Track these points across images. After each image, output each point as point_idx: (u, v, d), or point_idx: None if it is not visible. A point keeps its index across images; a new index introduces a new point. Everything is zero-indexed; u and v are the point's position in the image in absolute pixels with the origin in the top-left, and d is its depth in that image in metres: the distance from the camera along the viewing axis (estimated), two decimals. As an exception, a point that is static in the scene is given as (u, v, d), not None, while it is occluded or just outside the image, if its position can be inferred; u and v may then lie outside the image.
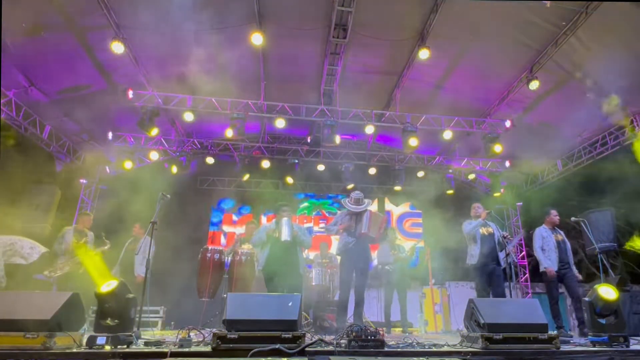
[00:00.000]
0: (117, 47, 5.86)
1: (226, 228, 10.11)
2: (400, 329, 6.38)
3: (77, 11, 5.56)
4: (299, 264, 4.98)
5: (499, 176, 9.21)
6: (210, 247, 6.36)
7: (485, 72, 7.05)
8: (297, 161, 9.07)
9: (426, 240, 8.14)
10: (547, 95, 7.14)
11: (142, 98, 7.07)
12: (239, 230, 9.81)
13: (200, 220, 9.78)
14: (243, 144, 8.80)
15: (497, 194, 9.68)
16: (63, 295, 2.99)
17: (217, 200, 10.27)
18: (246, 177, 9.17)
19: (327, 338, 3.33)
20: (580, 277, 5.28)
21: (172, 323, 6.97)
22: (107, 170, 8.95)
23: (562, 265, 5.20)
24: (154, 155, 8.84)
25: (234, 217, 10.27)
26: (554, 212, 5.53)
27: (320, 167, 9.53)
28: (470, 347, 3.09)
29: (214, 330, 2.96)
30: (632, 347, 3.39)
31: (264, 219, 9.92)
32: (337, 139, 7.46)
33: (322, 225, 10.19)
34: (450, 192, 9.83)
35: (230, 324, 2.80)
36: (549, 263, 5.19)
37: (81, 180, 8.63)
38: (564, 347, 3.23)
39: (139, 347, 2.98)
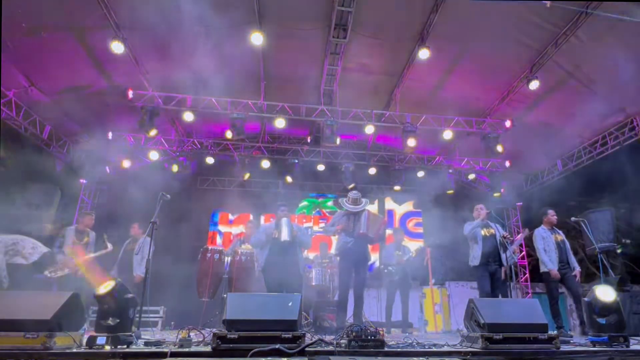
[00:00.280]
0: (117, 47, 5.86)
1: (222, 228, 10.07)
2: (400, 329, 6.38)
3: (77, 11, 5.56)
4: (298, 264, 4.99)
5: (499, 176, 9.21)
6: (210, 247, 6.36)
7: (485, 72, 7.05)
8: (297, 161, 9.07)
9: (426, 240, 8.14)
10: (547, 95, 7.14)
11: (142, 98, 7.07)
12: (235, 230, 9.80)
13: (200, 220, 9.77)
14: (243, 144, 8.80)
15: (497, 194, 9.68)
16: (63, 295, 2.99)
17: (217, 200, 10.26)
18: (246, 176, 9.17)
19: (327, 338, 3.33)
20: (578, 277, 5.26)
21: (172, 323, 6.97)
22: (107, 170, 8.94)
23: (562, 265, 5.21)
24: (154, 155, 8.83)
25: (230, 217, 10.24)
26: (551, 212, 5.53)
27: (320, 167, 9.53)
28: (470, 347, 3.09)
29: (214, 330, 2.96)
30: (632, 347, 3.39)
31: (262, 219, 9.93)
32: (337, 140, 7.47)
33: (321, 225, 10.19)
34: (450, 192, 9.82)
35: (230, 324, 2.80)
36: (551, 265, 5.19)
37: (81, 180, 8.63)
38: (564, 347, 3.23)
39: (139, 347, 2.98)
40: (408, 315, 6.43)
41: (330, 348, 2.86)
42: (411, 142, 7.48)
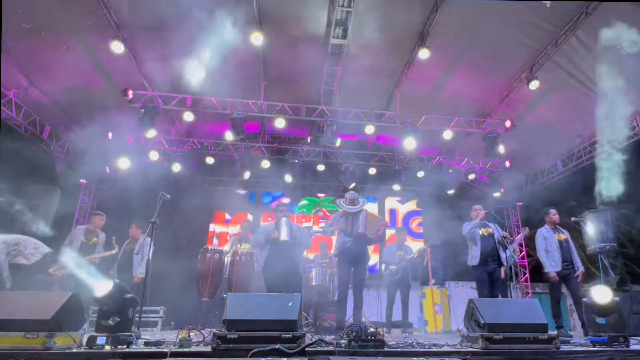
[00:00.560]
0: (117, 47, 5.86)
1: (218, 228, 10.04)
2: (400, 329, 6.38)
3: (77, 11, 5.56)
4: (298, 264, 5.00)
5: (499, 176, 9.21)
6: (210, 247, 6.37)
7: (485, 72, 7.06)
8: (297, 161, 9.07)
9: (426, 240, 8.15)
10: (547, 95, 7.14)
11: (142, 98, 7.07)
12: (232, 230, 9.78)
13: (200, 220, 9.77)
14: (243, 144, 8.80)
15: (497, 194, 9.68)
16: (63, 295, 2.99)
17: (217, 200, 10.27)
18: (246, 176, 9.17)
19: (327, 338, 3.33)
20: (580, 277, 5.25)
21: (172, 323, 6.98)
22: (107, 170, 8.95)
23: (565, 265, 5.17)
24: (154, 155, 8.83)
25: (227, 216, 10.21)
26: (552, 211, 5.53)
27: (320, 167, 9.53)
28: (470, 347, 3.09)
29: (214, 330, 2.96)
30: (632, 347, 3.39)
31: (261, 219, 9.93)
32: (338, 141, 7.48)
33: (321, 224, 10.18)
34: (450, 192, 9.83)
35: (230, 324, 2.81)
36: (551, 267, 5.17)
37: (81, 180, 8.64)
38: (564, 347, 3.23)
39: (139, 347, 2.98)
40: (408, 315, 6.43)
41: (330, 348, 2.86)
42: (411, 143, 7.48)
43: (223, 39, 6.32)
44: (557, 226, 5.49)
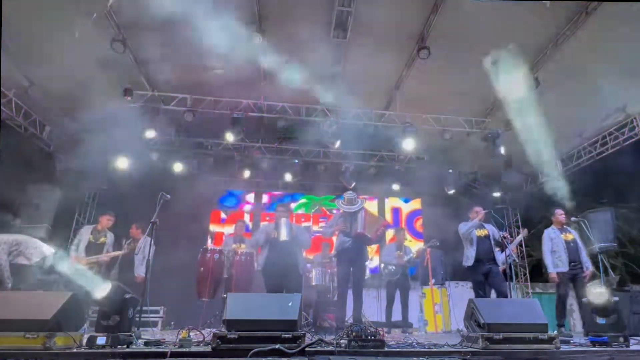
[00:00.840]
0: (117, 47, 5.87)
1: (214, 227, 10.02)
2: (400, 329, 6.38)
3: (77, 11, 5.56)
4: (298, 264, 5.00)
5: (499, 176, 9.21)
6: (210, 247, 6.36)
7: (486, 72, 7.04)
8: (297, 161, 9.07)
9: (426, 240, 8.14)
10: (547, 95, 7.13)
11: (142, 98, 7.07)
12: (227, 229, 9.77)
13: (200, 220, 9.77)
14: (243, 143, 8.79)
15: (497, 194, 9.69)
16: (63, 295, 2.99)
17: (217, 200, 10.28)
18: (246, 175, 9.17)
19: (327, 338, 3.33)
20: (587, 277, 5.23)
21: (172, 323, 6.97)
22: (107, 170, 8.94)
23: (573, 266, 5.17)
24: (154, 155, 8.83)
25: (223, 215, 10.18)
26: (559, 211, 5.52)
27: (320, 167, 9.52)
28: (470, 347, 3.09)
29: (214, 330, 2.96)
30: (632, 347, 3.39)
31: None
32: (338, 142, 7.49)
33: (321, 224, 10.18)
34: (450, 192, 9.83)
35: (230, 324, 2.81)
36: (555, 267, 5.17)
37: (81, 180, 8.63)
38: (564, 347, 3.23)
39: (139, 347, 2.98)
40: (408, 315, 6.43)
41: (330, 348, 2.86)
42: (410, 143, 7.50)
43: (223, 38, 6.32)
44: (565, 226, 5.47)
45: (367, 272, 6.97)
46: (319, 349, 2.86)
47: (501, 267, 6.15)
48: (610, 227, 6.60)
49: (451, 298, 7.21)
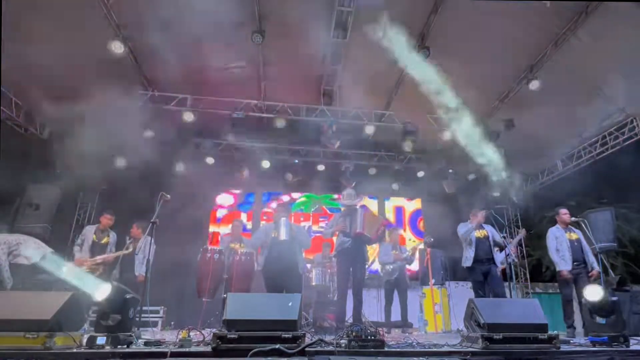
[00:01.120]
0: (117, 47, 5.87)
1: (212, 227, 9.97)
2: (400, 329, 6.38)
3: (77, 11, 5.56)
4: (298, 264, 5.00)
5: (499, 176, 9.20)
6: (210, 247, 6.35)
7: (485, 72, 7.05)
8: (297, 161, 9.07)
9: (426, 240, 8.15)
10: (547, 95, 7.14)
11: (142, 98, 7.07)
12: (223, 229, 9.75)
13: (200, 220, 9.77)
14: (243, 143, 8.80)
15: (497, 194, 9.68)
16: (63, 295, 2.99)
17: (217, 200, 10.28)
18: (246, 175, 9.18)
19: (327, 338, 3.33)
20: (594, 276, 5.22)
21: (172, 323, 6.97)
22: (108, 170, 8.94)
23: (576, 265, 5.18)
24: (154, 155, 8.82)
25: (218, 214, 10.13)
26: (562, 211, 5.53)
27: (320, 167, 9.53)
28: (470, 347, 3.09)
29: (214, 330, 2.96)
30: (632, 347, 3.39)
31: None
32: (337, 144, 7.50)
33: (321, 224, 10.18)
34: (450, 192, 9.83)
35: (230, 324, 2.81)
36: (562, 265, 5.17)
37: (81, 181, 8.62)
38: (564, 347, 3.23)
39: (139, 347, 2.98)
40: (407, 315, 6.43)
41: (330, 348, 2.86)
42: (410, 144, 7.52)
43: (223, 38, 6.33)
44: (569, 225, 5.47)
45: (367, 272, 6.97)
46: (319, 349, 2.86)
47: (501, 267, 6.16)
48: (610, 227, 6.60)
49: (451, 298, 7.20)
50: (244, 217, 10.10)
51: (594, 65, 6.27)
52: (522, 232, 7.44)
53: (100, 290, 3.06)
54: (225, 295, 3.14)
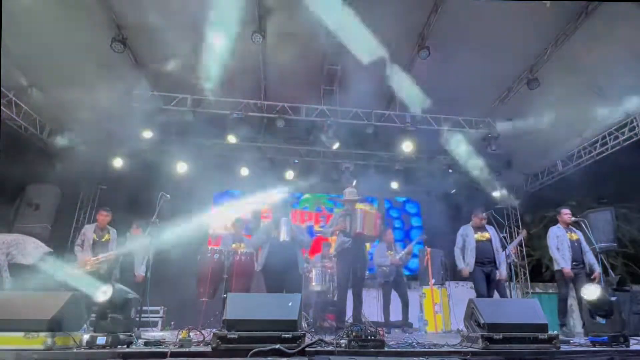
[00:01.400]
0: (117, 47, 5.86)
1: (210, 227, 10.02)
2: (400, 329, 6.38)
3: (77, 11, 5.56)
4: (298, 264, 4.99)
5: (499, 176, 9.21)
6: (210, 247, 6.35)
7: (485, 72, 7.05)
8: (297, 161, 9.07)
9: (426, 240, 8.14)
10: (547, 95, 7.14)
11: (142, 98, 7.06)
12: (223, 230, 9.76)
13: (200, 220, 9.75)
14: (243, 143, 8.79)
15: (497, 194, 9.68)
16: (63, 295, 2.99)
17: (218, 200, 10.28)
18: (245, 174, 9.18)
19: (327, 338, 3.33)
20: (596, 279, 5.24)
21: (172, 323, 6.97)
22: (108, 170, 8.95)
23: (575, 265, 5.21)
24: (154, 155, 8.83)
25: (217, 215, 10.11)
26: (564, 211, 5.54)
27: (320, 167, 9.52)
28: (470, 347, 3.09)
29: (214, 330, 2.96)
30: (632, 347, 3.39)
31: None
32: (337, 144, 7.48)
33: (321, 224, 10.18)
34: (450, 192, 9.84)
35: (230, 324, 2.80)
36: (564, 263, 5.19)
37: (81, 180, 8.64)
38: (564, 347, 3.23)
39: (139, 347, 2.98)
40: (408, 315, 6.43)
41: (330, 348, 2.86)
42: (409, 145, 7.53)
43: (223, 39, 6.33)
44: (570, 226, 5.49)
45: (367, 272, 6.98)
46: (319, 349, 2.86)
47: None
48: (610, 227, 6.60)
49: (451, 298, 7.19)
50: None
51: (594, 65, 6.27)
52: (523, 233, 7.45)
53: (102, 292, 3.05)
54: (225, 295, 3.14)
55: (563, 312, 5.17)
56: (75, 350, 2.73)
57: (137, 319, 3.50)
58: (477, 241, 5.33)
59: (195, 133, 8.93)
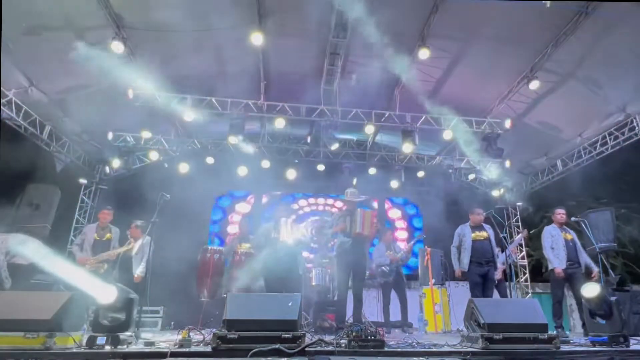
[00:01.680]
0: (117, 47, 5.86)
1: (213, 227, 10.05)
2: (400, 329, 6.38)
3: (77, 11, 5.55)
4: (297, 264, 5.00)
5: (499, 176, 9.21)
6: (210, 247, 6.37)
7: (486, 72, 7.05)
8: (297, 161, 9.07)
9: (426, 240, 8.15)
10: (547, 95, 7.14)
11: (142, 98, 7.06)
12: (231, 229, 9.78)
13: (200, 220, 9.76)
14: (243, 143, 8.79)
15: (497, 194, 9.68)
16: (63, 295, 2.99)
17: (217, 200, 10.28)
18: (247, 175, 9.18)
19: (327, 338, 3.33)
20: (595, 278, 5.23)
21: (172, 323, 6.97)
22: (107, 170, 8.95)
23: (570, 264, 5.18)
24: (154, 155, 8.84)
25: (218, 214, 10.21)
26: (558, 211, 5.53)
27: (320, 167, 9.53)
28: (470, 347, 3.09)
29: (214, 330, 2.96)
30: (632, 347, 3.39)
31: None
32: (335, 146, 7.47)
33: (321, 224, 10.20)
34: (450, 192, 9.83)
35: (230, 324, 2.81)
36: (557, 263, 5.18)
37: (81, 180, 8.63)
38: (564, 347, 3.23)
39: (139, 347, 2.98)
40: (407, 315, 6.43)
41: (330, 348, 2.87)
42: (408, 147, 7.55)
43: (223, 39, 6.33)
44: (564, 226, 5.48)
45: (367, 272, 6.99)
46: (319, 349, 2.87)
47: (502, 267, 6.16)
48: (610, 227, 6.59)
49: (451, 298, 7.19)
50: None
51: (594, 65, 6.27)
52: (524, 233, 7.44)
53: (106, 293, 3.02)
54: (225, 295, 3.14)
55: (558, 314, 5.14)
56: (75, 350, 2.73)
57: (137, 318, 3.50)
58: (475, 240, 5.31)
59: (195, 133, 8.94)
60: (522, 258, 9.98)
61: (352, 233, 4.91)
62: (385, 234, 7.05)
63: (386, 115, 7.78)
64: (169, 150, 8.80)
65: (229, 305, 2.94)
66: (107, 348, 2.77)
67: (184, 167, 8.89)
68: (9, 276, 4.67)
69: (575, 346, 3.53)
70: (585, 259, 5.29)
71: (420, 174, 9.92)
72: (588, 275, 5.24)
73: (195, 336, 3.30)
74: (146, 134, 7.26)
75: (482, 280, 5.24)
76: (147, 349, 2.84)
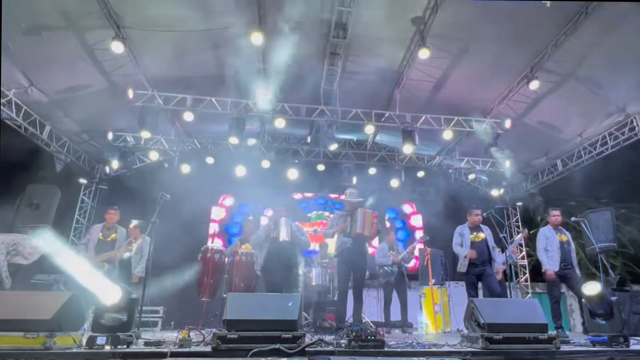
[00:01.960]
0: (117, 47, 5.86)
1: (213, 227, 10.04)
2: (400, 329, 6.38)
3: (77, 11, 5.56)
4: (297, 264, 5.00)
5: (498, 176, 9.21)
6: (210, 247, 6.36)
7: (485, 72, 7.05)
8: (297, 161, 9.07)
9: (426, 240, 8.15)
10: (547, 95, 7.15)
11: (142, 98, 7.06)
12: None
13: (200, 220, 9.76)
14: (243, 143, 8.80)
15: (496, 194, 9.68)
16: (63, 295, 2.99)
17: (217, 200, 10.28)
18: (244, 174, 9.19)
19: (327, 338, 3.33)
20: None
21: (172, 323, 6.97)
22: (107, 170, 8.95)
23: (564, 266, 5.18)
24: (154, 155, 8.84)
25: (217, 214, 10.24)
26: (553, 212, 5.52)
27: (320, 167, 9.53)
28: (470, 347, 3.09)
29: (214, 330, 2.96)
30: (632, 347, 3.39)
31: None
32: (335, 146, 7.47)
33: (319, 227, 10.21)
34: (450, 192, 9.83)
35: (230, 324, 2.80)
36: (549, 265, 5.18)
37: (81, 180, 8.64)
38: (564, 347, 3.23)
39: (139, 347, 2.98)
40: (407, 315, 6.43)
41: (330, 348, 2.86)
42: (408, 149, 7.57)
43: (223, 38, 6.33)
44: (560, 227, 5.47)
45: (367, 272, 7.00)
46: (319, 349, 2.86)
47: (502, 267, 6.15)
48: (610, 227, 6.58)
49: (451, 298, 7.18)
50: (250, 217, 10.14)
51: (594, 65, 6.27)
52: (524, 233, 7.44)
53: (110, 294, 3.01)
54: (225, 295, 3.14)
55: (557, 314, 5.14)
56: (75, 350, 2.73)
57: (137, 318, 3.50)
58: (473, 242, 5.32)
59: (195, 133, 8.95)
60: (522, 258, 9.98)
61: (353, 233, 4.91)
62: (389, 234, 7.06)
63: (386, 115, 7.79)
64: (169, 150, 8.80)
65: (229, 305, 2.94)
66: (107, 348, 2.77)
67: (184, 167, 8.89)
68: (9, 276, 4.66)
69: (575, 346, 3.52)
70: (574, 260, 5.29)
71: (420, 174, 9.92)
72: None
73: (195, 336, 3.30)
74: (146, 134, 7.24)
75: (478, 280, 5.25)
76: (147, 349, 2.83)
